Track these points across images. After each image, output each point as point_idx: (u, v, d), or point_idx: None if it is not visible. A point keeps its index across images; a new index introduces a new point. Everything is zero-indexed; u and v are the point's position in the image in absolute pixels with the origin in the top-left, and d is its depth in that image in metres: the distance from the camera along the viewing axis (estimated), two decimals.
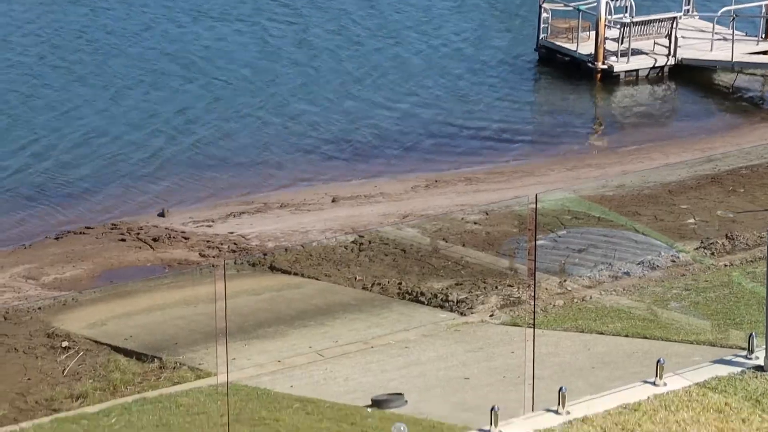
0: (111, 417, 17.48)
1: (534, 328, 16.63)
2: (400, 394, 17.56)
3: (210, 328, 19.79)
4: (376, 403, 17.29)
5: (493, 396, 16.30)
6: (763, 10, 39.00)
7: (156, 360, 20.14)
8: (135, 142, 33.35)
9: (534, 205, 15.67)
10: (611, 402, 13.46)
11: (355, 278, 23.87)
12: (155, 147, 33.21)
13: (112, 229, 27.93)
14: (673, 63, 37.98)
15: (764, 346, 14.51)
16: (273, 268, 24.71)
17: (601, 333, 19.77)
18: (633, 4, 37.99)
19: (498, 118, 35.81)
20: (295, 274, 24.32)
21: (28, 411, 18.64)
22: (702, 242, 24.67)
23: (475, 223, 26.87)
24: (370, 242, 25.75)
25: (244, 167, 32.41)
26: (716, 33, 38.56)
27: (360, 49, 40.18)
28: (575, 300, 22.03)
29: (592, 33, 37.81)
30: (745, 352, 14.64)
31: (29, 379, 19.91)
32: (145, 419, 17.33)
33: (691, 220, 26.49)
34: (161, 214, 29.08)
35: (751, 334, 14.71)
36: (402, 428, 11.84)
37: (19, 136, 33.42)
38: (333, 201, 29.97)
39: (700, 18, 40.34)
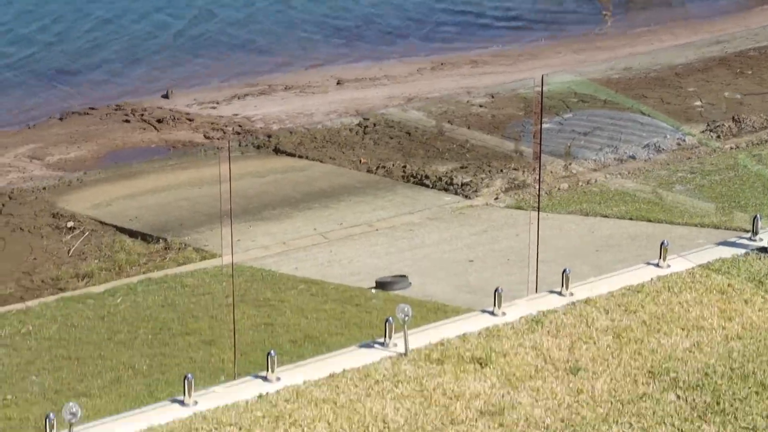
0: (117, 297, 17.58)
1: (538, 211, 16.62)
2: (405, 276, 17.62)
3: (215, 209, 19.81)
4: (381, 285, 17.35)
5: (497, 278, 16.36)
6: None
7: (161, 241, 20.19)
8: (150, 24, 33.08)
9: (540, 88, 15.54)
10: (614, 284, 13.49)
11: (360, 161, 23.83)
12: (168, 29, 32.95)
13: (116, 110, 27.85)
14: None
15: None
16: (277, 151, 24.66)
17: (606, 216, 19.77)
18: None
19: (504, 1, 35.47)
20: (300, 156, 24.28)
21: (34, 290, 18.75)
22: (708, 125, 24.57)
23: (481, 105, 26.74)
24: (374, 125, 25.66)
25: (249, 49, 32.20)
26: None
27: None
28: (580, 183, 22.00)
29: None
30: (749, 234, 14.64)
31: (35, 258, 19.98)
32: (151, 299, 17.42)
33: (698, 103, 26.36)
34: (166, 96, 28.96)
35: (755, 216, 14.69)
36: (406, 309, 11.89)
37: (34, 17, 33.13)
38: (338, 83, 29.81)
39: None
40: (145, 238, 20.43)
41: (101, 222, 21.22)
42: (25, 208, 21.95)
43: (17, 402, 13.97)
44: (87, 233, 20.79)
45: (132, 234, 20.64)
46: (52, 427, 10.66)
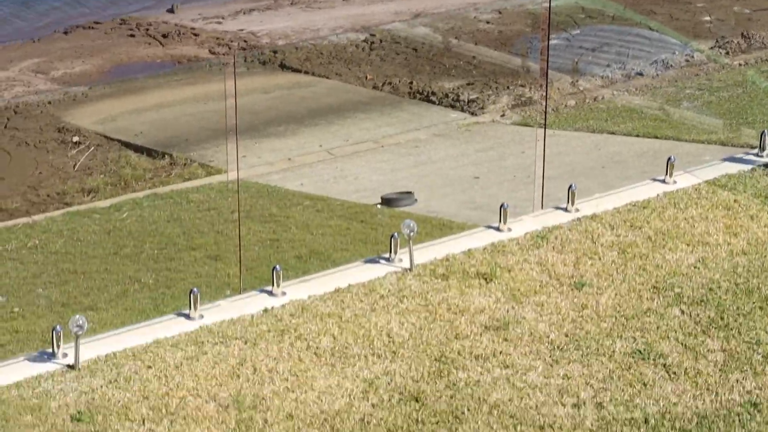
0: (122, 211, 17.59)
1: (545, 128, 16.55)
2: (410, 192, 17.60)
3: (220, 125, 19.77)
4: (386, 201, 17.35)
5: (503, 195, 16.34)
6: None
7: (166, 156, 20.17)
8: None
9: (548, 3, 15.41)
10: (620, 200, 13.50)
11: (366, 77, 23.72)
12: None
13: (121, 24, 27.69)
14: None
15: None
16: (283, 66, 24.55)
17: (612, 133, 19.72)
18: None
19: None
20: (306, 72, 24.18)
21: (40, 204, 18.76)
22: (717, 41, 24.41)
23: (488, 21, 26.57)
24: (381, 41, 25.52)
25: None
26: None
27: None
28: (587, 100, 21.91)
29: None
30: (756, 150, 14.62)
31: (41, 172, 19.97)
32: (157, 214, 17.43)
33: (707, 18, 26.16)
34: (171, 10, 28.78)
35: (763, 132, 14.64)
36: (411, 225, 11.89)
37: None
38: None
39: None
40: (150, 153, 20.40)
41: (106, 137, 21.19)
42: (30, 122, 21.91)
43: (24, 315, 14.03)
44: (92, 148, 20.77)
45: (137, 149, 20.61)
46: (59, 339, 10.72)
